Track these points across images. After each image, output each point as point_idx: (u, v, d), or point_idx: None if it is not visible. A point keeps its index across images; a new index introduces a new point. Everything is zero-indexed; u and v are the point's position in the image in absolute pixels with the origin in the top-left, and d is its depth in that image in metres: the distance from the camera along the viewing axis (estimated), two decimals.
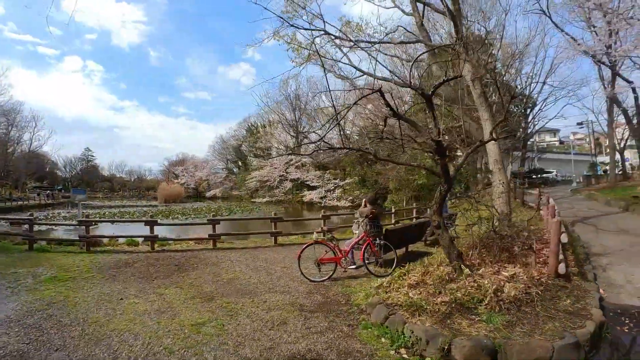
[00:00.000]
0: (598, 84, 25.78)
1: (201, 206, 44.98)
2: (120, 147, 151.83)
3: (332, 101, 7.91)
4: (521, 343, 4.27)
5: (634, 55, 17.59)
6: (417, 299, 5.54)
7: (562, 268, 6.29)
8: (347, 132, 46.68)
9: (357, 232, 9.48)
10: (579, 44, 16.63)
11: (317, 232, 9.14)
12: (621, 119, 29.37)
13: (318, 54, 11.87)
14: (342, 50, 16.36)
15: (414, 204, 35.55)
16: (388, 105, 6.32)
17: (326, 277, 8.01)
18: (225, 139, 78.24)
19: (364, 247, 8.54)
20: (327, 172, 48.71)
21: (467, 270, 6.31)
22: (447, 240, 6.78)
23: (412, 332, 4.70)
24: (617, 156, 30.74)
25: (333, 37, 13.05)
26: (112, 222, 17.46)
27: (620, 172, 30.81)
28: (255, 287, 7.57)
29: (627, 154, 60.43)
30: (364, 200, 10.18)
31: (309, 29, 12.64)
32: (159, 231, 11.90)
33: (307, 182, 49.53)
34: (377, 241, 8.74)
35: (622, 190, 22.65)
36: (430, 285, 6.00)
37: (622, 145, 31.63)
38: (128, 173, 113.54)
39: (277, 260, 10.31)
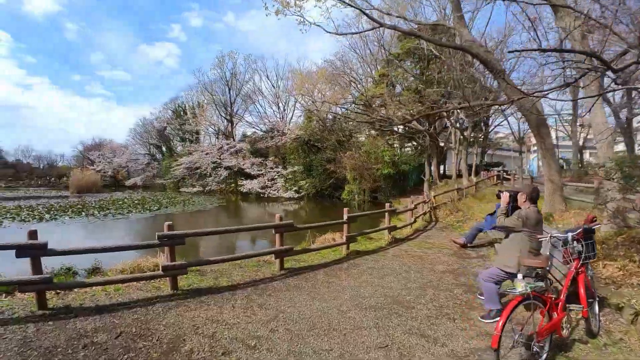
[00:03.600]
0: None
1: (121, 197, 36.39)
2: (27, 129, 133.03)
3: None
4: None
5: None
6: None
7: None
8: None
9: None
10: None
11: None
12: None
13: None
14: None
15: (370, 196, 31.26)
16: None
17: None
18: (149, 121, 67.86)
19: (582, 286, 4.14)
20: (269, 159, 42.50)
21: None
22: None
23: None
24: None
25: None
26: None
27: (580, 168, 29.19)
28: None
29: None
30: (509, 194, 5.08)
31: None
32: (59, 262, 5.46)
33: (246, 170, 42.91)
34: (589, 272, 4.61)
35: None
36: None
37: (582, 143, 29.95)
38: (36, 159, 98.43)
39: (337, 318, 4.81)
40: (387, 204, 11.57)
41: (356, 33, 24.06)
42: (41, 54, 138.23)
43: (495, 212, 9.29)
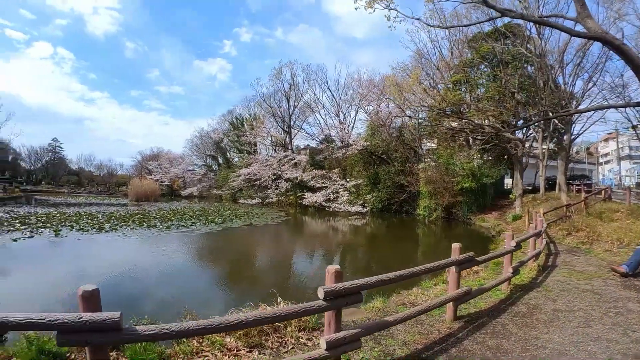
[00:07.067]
0: None
1: (181, 207, 35.19)
2: (89, 140, 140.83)
3: None
4: None
5: None
6: None
7: None
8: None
9: None
10: None
11: None
12: None
13: None
14: None
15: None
16: None
17: None
18: (206, 132, 67.97)
19: None
20: (332, 171, 40.20)
21: None
22: None
23: None
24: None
25: None
26: None
27: None
28: None
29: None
30: None
31: None
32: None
33: (310, 183, 40.76)
34: None
35: None
36: None
37: None
38: (97, 167, 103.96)
39: None
40: (507, 236, 8.82)
41: (469, 25, 21.43)
42: (101, 70, 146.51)
43: None
